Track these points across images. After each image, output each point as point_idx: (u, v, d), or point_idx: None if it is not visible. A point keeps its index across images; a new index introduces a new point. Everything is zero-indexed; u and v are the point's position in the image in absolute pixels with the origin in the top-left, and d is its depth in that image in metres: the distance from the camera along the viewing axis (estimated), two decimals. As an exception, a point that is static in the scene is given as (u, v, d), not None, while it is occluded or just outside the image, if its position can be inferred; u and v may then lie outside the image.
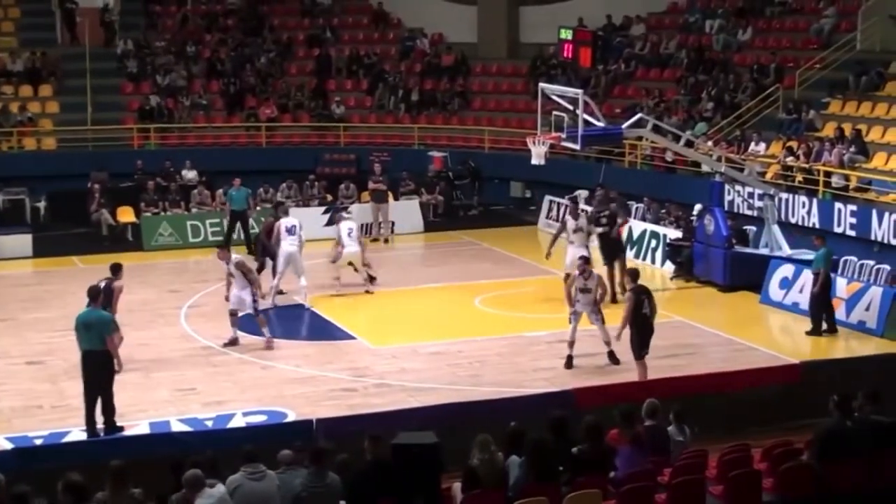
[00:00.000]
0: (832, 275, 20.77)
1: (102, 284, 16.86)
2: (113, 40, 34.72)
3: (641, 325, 16.79)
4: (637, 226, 26.55)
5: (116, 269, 18.15)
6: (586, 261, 18.76)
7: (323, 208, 28.48)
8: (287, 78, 35.10)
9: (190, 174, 29.54)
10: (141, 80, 33.85)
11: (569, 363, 18.12)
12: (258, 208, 27.38)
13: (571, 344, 18.17)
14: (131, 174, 29.61)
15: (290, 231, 21.60)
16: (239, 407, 16.22)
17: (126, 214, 28.34)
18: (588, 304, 18.16)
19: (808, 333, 20.07)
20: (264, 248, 22.57)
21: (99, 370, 14.89)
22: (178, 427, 15.29)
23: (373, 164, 29.06)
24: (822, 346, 19.80)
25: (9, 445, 14.36)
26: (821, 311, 20.15)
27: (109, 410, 14.97)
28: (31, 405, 16.51)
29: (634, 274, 17.45)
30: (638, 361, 16.92)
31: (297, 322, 20.87)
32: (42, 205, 29.39)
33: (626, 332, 17.01)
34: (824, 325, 20.11)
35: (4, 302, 22.58)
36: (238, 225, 26.37)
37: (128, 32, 35.44)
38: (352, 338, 19.97)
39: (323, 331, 20.31)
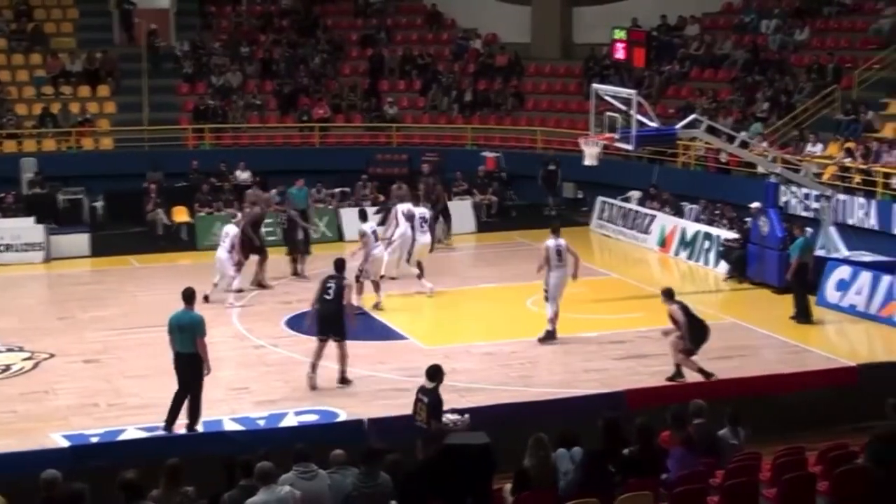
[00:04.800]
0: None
1: None
2: (158, 56, 34.70)
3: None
4: (690, 227, 26.39)
5: None
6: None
7: (375, 208, 28.54)
8: (340, 78, 35.26)
9: (244, 174, 29.75)
10: (196, 80, 34.16)
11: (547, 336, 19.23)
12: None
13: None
14: (186, 174, 29.90)
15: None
16: (291, 406, 16.31)
17: (181, 214, 28.59)
18: None
19: (791, 318, 20.69)
20: (250, 241, 22.86)
21: (187, 372, 15.03)
22: (230, 426, 15.41)
23: (422, 165, 29.18)
24: (880, 348, 19.57)
25: (65, 443, 14.56)
26: (801, 297, 20.74)
27: (195, 413, 15.06)
28: (88, 403, 16.71)
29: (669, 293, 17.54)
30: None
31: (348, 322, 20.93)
32: (99, 204, 29.72)
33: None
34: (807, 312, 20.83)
35: (62, 300, 22.89)
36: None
37: (184, 33, 35.80)
38: (403, 338, 20.01)
39: (375, 331, 20.35)
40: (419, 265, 22.64)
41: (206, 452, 12.55)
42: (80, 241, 26.76)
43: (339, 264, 17.68)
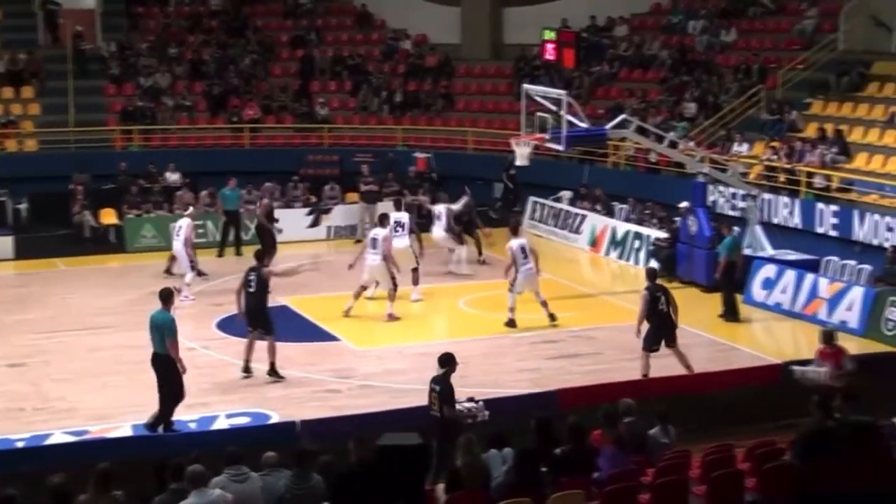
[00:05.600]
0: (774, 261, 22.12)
1: None
2: (84, 58, 34.10)
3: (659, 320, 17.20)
4: (621, 226, 26.61)
5: None
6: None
7: (307, 210, 28.50)
8: (270, 79, 35.05)
9: (173, 176, 29.45)
10: (123, 81, 33.74)
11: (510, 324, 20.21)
12: (241, 210, 27.33)
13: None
14: (114, 176, 29.49)
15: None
16: (222, 409, 16.20)
17: (109, 216, 28.25)
18: None
19: (719, 316, 21.00)
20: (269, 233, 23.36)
21: (159, 372, 15.08)
22: (160, 430, 15.24)
23: (360, 165, 29.18)
24: (805, 346, 19.87)
25: (-9, 448, 14.32)
26: (728, 295, 21.12)
27: (162, 416, 15.04)
28: (13, 407, 16.46)
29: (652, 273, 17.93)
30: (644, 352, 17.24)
31: (279, 323, 20.79)
32: (24, 206, 29.25)
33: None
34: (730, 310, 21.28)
35: (-14, 304, 22.49)
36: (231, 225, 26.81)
37: (110, 34, 35.33)
38: (335, 339, 19.95)
39: (306, 332, 20.28)
40: (415, 271, 22.34)
41: (136, 456, 12.40)
42: (3, 243, 26.33)
43: (260, 255, 17.96)
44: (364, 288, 21.25)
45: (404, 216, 22.99)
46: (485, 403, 13.62)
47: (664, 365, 17.71)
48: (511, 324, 20.31)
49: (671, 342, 17.23)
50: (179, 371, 15.09)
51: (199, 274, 23.83)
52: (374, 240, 21.05)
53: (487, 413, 13.40)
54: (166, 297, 15.41)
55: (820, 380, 14.32)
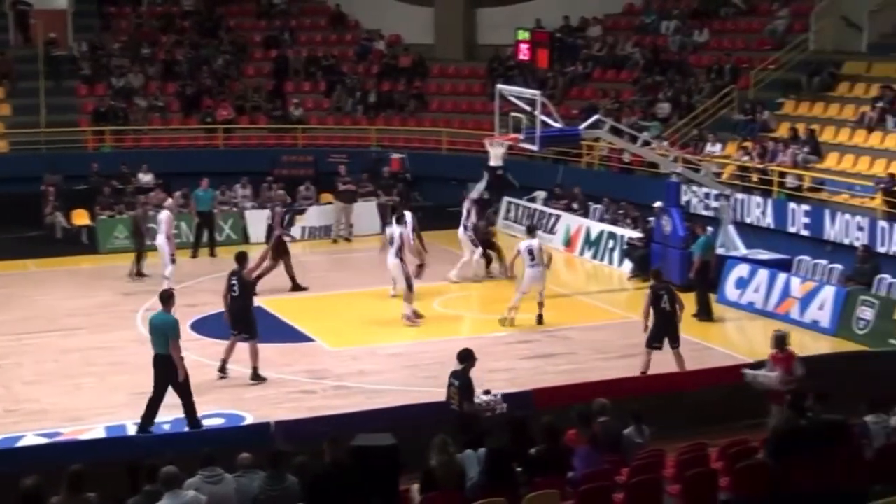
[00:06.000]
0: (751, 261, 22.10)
1: None
2: (56, 60, 33.96)
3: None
4: (595, 226, 26.67)
5: None
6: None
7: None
8: (244, 79, 34.95)
9: (146, 177, 29.32)
10: (95, 82, 33.56)
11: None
12: (215, 210, 27.25)
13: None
14: (86, 177, 29.32)
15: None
16: (197, 410, 16.09)
17: (81, 217, 28.11)
18: None
19: (693, 316, 20.77)
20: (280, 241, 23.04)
21: (163, 374, 15.00)
22: (134, 431, 15.17)
23: (338, 165, 29.19)
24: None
25: (-38, 450, 14.20)
26: (702, 295, 21.23)
27: (190, 413, 15.06)
28: (-15, 410, 16.36)
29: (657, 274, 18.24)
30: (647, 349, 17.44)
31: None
32: (-6, 207, 29.06)
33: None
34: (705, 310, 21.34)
35: (-43, 306, 22.32)
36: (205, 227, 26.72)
37: (82, 34, 35.14)
38: (310, 339, 19.91)
39: (280, 332, 20.22)
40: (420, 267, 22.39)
41: (109, 458, 12.32)
42: (-27, 245, 26.17)
43: (241, 258, 17.67)
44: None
45: (407, 215, 22.99)
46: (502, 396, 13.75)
47: (637, 365, 17.79)
48: (505, 322, 20.47)
49: (674, 343, 17.34)
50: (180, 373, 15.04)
51: (140, 275, 23.73)
52: (392, 237, 21.10)
53: (506, 405, 13.46)
54: (167, 298, 15.32)
55: (770, 384, 14.39)
